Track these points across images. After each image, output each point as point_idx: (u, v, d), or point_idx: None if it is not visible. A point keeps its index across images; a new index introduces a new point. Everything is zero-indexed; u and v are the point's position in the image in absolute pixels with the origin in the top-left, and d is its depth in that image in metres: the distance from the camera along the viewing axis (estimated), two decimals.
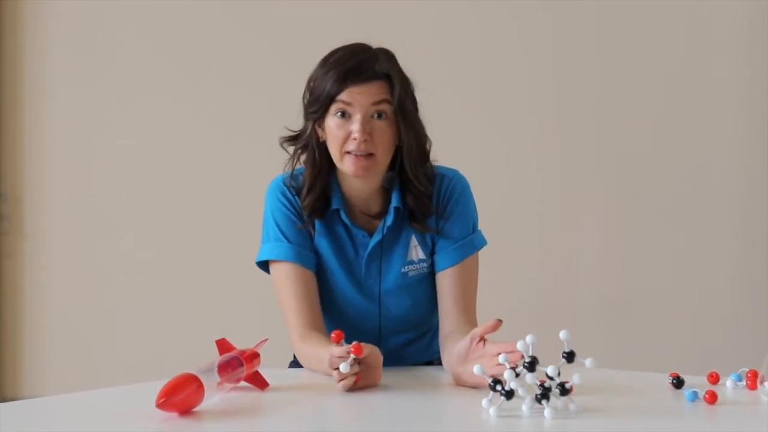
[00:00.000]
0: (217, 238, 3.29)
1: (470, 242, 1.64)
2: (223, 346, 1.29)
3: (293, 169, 1.63)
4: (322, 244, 1.60)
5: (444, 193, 1.63)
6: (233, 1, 3.28)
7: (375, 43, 1.62)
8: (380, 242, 1.60)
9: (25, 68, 3.34)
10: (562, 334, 1.18)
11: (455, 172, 1.66)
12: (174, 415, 1.05)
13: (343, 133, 1.51)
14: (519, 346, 1.14)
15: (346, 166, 1.53)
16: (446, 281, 1.62)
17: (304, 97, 1.59)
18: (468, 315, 1.61)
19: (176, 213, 3.31)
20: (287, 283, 1.56)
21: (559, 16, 3.22)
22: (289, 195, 1.60)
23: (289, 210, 1.60)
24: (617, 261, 3.24)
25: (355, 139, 1.50)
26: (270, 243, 1.60)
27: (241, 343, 1.32)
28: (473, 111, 3.22)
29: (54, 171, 3.35)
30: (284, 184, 1.61)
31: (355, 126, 1.49)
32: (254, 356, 1.29)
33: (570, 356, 1.18)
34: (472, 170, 1.73)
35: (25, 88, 3.35)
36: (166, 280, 3.31)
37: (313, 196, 1.58)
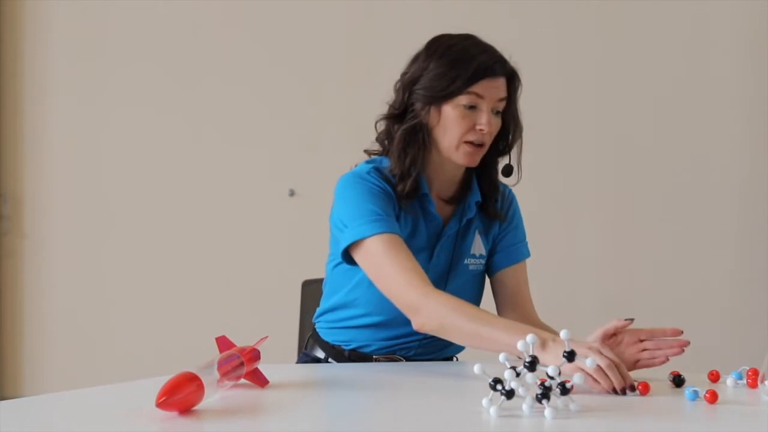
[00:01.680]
0: (216, 237, 3.29)
1: (527, 246, 1.72)
2: (222, 343, 1.29)
3: (371, 159, 1.63)
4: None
5: (507, 198, 1.71)
6: (234, 5, 3.28)
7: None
8: (457, 231, 1.62)
9: (25, 68, 3.34)
10: (563, 334, 1.18)
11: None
12: (174, 413, 1.05)
13: (469, 123, 1.54)
14: (519, 346, 1.13)
15: (459, 153, 1.56)
16: (515, 275, 1.67)
17: (407, 78, 1.57)
18: (533, 308, 1.67)
19: (176, 212, 3.31)
20: (394, 249, 1.48)
21: (559, 16, 3.22)
22: (375, 180, 1.57)
23: (380, 189, 1.56)
24: (617, 261, 3.24)
25: (481, 130, 1.54)
26: (363, 222, 1.52)
27: (241, 340, 1.32)
28: None
29: (54, 171, 3.35)
30: (368, 173, 1.58)
31: (485, 119, 1.54)
32: (254, 353, 1.28)
33: (570, 356, 1.18)
34: None
35: (25, 88, 3.35)
36: (166, 280, 3.31)
37: (412, 179, 1.57)
